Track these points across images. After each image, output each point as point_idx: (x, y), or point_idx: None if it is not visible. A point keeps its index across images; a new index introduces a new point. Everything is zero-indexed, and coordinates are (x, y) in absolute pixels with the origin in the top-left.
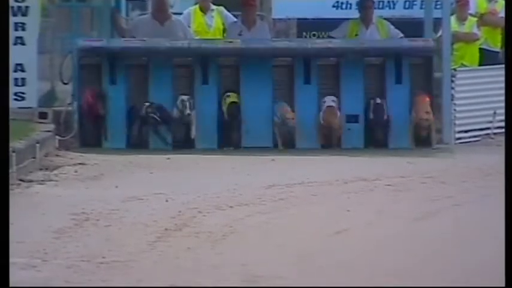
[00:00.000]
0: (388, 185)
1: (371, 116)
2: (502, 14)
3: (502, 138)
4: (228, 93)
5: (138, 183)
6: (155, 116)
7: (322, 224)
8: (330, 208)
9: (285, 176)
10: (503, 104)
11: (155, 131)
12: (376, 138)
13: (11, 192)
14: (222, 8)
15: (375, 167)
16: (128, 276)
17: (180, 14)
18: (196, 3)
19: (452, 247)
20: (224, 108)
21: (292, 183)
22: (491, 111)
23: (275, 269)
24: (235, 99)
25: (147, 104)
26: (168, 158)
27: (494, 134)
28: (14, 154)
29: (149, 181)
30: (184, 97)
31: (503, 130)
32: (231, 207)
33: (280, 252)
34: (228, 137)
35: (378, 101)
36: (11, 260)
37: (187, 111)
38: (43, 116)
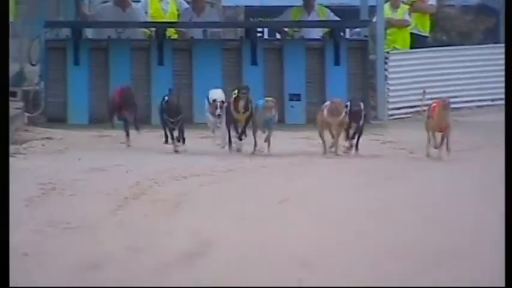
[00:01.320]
0: (329, 157)
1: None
2: (431, 2)
3: (487, 114)
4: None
5: (99, 156)
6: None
7: (269, 193)
8: (277, 178)
9: None
10: (432, 84)
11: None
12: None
13: None
14: None
15: (316, 141)
16: (90, 240)
17: (139, 1)
18: None
19: (384, 215)
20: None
21: (241, 156)
22: (421, 90)
23: (225, 234)
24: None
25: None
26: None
27: (424, 110)
28: None
29: (110, 154)
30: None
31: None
32: (184, 177)
33: (231, 218)
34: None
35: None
36: None
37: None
38: (13, 94)
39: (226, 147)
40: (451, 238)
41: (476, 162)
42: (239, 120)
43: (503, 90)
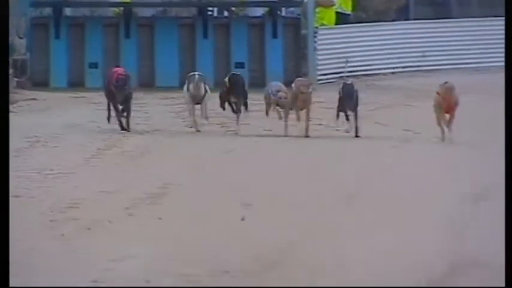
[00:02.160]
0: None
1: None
2: None
3: (353, 80)
4: None
5: (76, 114)
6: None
7: (217, 145)
8: (223, 135)
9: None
10: (353, 54)
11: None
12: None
13: None
14: None
15: (258, 97)
16: (68, 184)
17: None
18: None
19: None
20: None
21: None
22: (344, 60)
23: (181, 177)
24: None
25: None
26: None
27: (347, 76)
28: None
29: (85, 112)
30: None
31: (353, 74)
32: (147, 132)
33: (187, 164)
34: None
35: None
36: None
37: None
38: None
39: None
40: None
41: (382, 118)
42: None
43: (411, 59)
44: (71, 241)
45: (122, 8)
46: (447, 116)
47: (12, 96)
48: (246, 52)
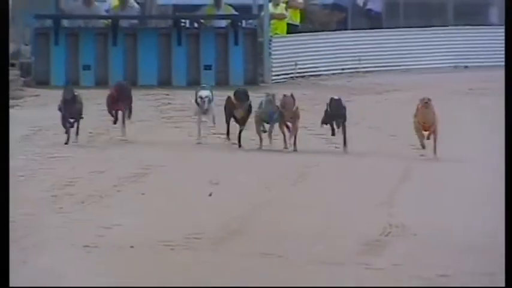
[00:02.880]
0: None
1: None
2: (300, 0)
3: (301, 80)
4: None
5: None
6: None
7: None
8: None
9: (166, 99)
10: (301, 58)
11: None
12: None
13: None
14: None
15: (221, 94)
16: (66, 165)
17: (104, 1)
18: None
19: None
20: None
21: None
22: (294, 63)
23: (160, 160)
24: None
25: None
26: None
27: (296, 77)
28: None
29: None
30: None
31: (301, 74)
32: (132, 123)
33: (163, 151)
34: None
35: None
36: None
37: None
38: (12, 65)
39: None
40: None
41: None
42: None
43: (349, 62)
44: (68, 213)
45: (110, 20)
46: (425, 133)
47: (19, 93)
48: (213, 57)
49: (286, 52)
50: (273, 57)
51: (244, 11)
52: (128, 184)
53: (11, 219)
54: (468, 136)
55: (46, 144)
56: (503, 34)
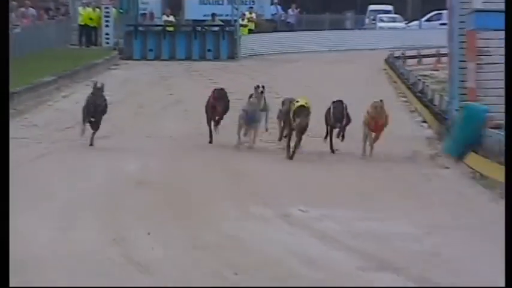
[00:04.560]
0: (213, 69)
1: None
2: (254, 16)
3: (255, 56)
4: None
5: (146, 69)
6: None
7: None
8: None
9: (189, 66)
10: (255, 46)
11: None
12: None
13: (105, 71)
14: None
15: (213, 66)
16: (143, 94)
17: None
18: None
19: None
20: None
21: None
22: (252, 48)
23: (153, 106)
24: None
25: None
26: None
27: (251, 55)
28: (108, 57)
29: (147, 69)
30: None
31: (257, 53)
32: (173, 76)
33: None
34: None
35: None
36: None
37: None
38: (114, 49)
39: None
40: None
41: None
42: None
43: (279, 47)
44: (148, 115)
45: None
46: (373, 134)
47: (117, 62)
48: (212, 45)
49: (247, 43)
50: (241, 46)
51: (227, 22)
52: (132, 124)
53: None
54: (340, 76)
55: (132, 84)
56: (355, 34)
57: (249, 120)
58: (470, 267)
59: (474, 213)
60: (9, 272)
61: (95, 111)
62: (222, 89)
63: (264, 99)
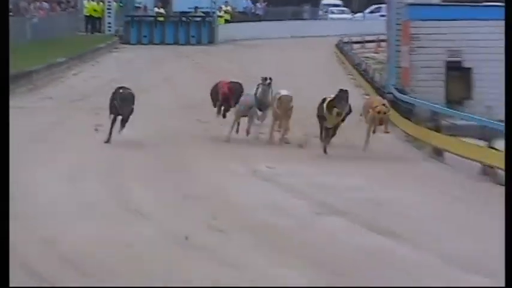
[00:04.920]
0: (196, 52)
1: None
2: (230, 9)
3: (231, 41)
4: None
5: (140, 52)
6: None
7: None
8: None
9: (176, 49)
10: (230, 33)
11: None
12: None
13: (107, 54)
14: None
15: (196, 49)
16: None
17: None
18: None
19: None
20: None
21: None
22: (230, 36)
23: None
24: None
25: None
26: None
27: (228, 41)
28: (110, 42)
29: (142, 51)
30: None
31: (231, 39)
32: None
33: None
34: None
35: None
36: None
37: None
38: (115, 35)
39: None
40: None
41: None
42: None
43: (250, 34)
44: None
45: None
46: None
47: (117, 46)
48: (195, 32)
49: (224, 31)
50: (219, 33)
51: (207, 13)
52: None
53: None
54: (299, 57)
55: (130, 63)
56: (311, 24)
57: (256, 110)
58: (410, 213)
59: (409, 169)
60: (9, 272)
61: (123, 108)
62: (238, 84)
63: (271, 91)
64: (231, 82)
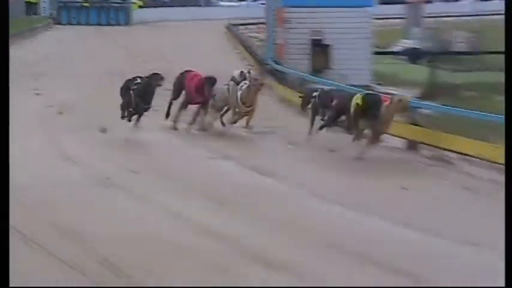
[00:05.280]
0: (115, 31)
1: None
2: None
3: (147, 23)
4: None
5: (69, 31)
6: None
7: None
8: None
9: (100, 29)
10: (144, 16)
11: None
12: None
13: (44, 31)
14: None
15: (115, 29)
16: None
17: None
18: None
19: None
20: None
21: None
22: (150, 19)
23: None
24: None
25: None
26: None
27: (143, 22)
28: (46, 23)
29: (69, 30)
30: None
31: (147, 21)
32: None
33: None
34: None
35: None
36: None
37: None
38: (50, 17)
39: None
40: None
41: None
42: None
43: (190, 15)
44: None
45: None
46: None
47: (52, 26)
48: (114, 15)
49: (138, 15)
50: (134, 16)
51: (124, 0)
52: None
53: None
54: (197, 35)
55: (63, 39)
56: (206, 10)
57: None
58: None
59: (282, 121)
60: (9, 272)
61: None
62: (213, 78)
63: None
64: (206, 77)
